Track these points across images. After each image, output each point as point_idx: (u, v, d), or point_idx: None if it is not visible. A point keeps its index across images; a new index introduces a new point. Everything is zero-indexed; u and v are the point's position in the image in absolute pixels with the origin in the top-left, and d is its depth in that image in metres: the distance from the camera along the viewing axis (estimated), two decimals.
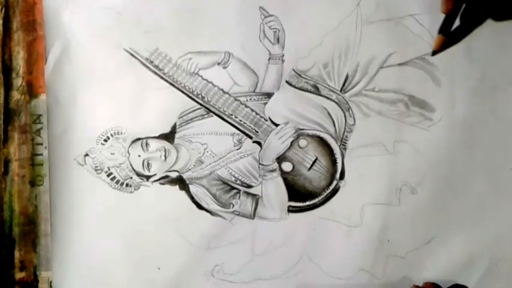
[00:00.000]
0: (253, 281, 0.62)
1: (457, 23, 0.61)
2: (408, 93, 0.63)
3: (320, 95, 0.63)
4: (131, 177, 0.62)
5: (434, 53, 0.62)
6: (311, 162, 0.63)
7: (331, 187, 0.62)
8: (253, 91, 0.63)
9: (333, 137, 0.63)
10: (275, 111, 0.63)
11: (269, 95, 0.63)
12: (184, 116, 0.63)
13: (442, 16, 0.60)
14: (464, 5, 0.60)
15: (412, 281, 0.61)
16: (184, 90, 0.63)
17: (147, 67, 0.63)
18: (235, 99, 0.63)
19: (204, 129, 0.63)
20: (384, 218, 0.62)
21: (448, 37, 0.61)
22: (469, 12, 0.61)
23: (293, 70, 0.63)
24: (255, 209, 0.62)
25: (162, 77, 0.63)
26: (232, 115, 0.63)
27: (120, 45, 0.63)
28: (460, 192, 0.62)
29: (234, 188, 0.63)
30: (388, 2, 0.63)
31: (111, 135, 0.62)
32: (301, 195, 0.62)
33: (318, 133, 0.63)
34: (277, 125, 0.63)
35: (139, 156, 0.62)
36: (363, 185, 0.62)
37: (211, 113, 0.63)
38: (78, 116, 0.62)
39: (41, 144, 0.62)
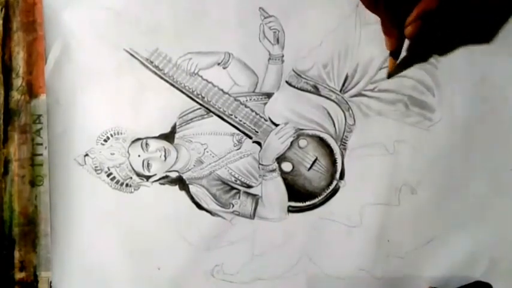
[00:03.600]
0: (253, 281, 0.62)
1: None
2: (408, 94, 0.63)
3: (320, 95, 0.63)
4: (131, 178, 0.62)
5: (389, 75, 0.63)
6: (311, 162, 0.63)
7: (331, 187, 0.62)
8: (253, 91, 0.63)
9: (332, 137, 0.63)
10: (275, 111, 0.63)
11: (269, 95, 0.63)
12: (184, 116, 0.63)
13: None
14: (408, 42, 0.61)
15: (412, 280, 0.61)
16: (184, 90, 0.63)
17: (147, 67, 0.63)
18: (235, 99, 0.63)
19: (204, 129, 0.63)
20: (384, 218, 0.62)
21: (399, 62, 0.62)
22: (413, 48, 0.62)
23: (293, 70, 0.63)
24: (255, 209, 0.62)
25: (162, 77, 0.63)
26: (232, 115, 0.63)
27: (120, 46, 0.63)
28: (460, 192, 0.62)
29: (234, 188, 0.63)
30: None
31: (111, 135, 0.62)
32: (301, 195, 0.62)
33: (318, 133, 0.63)
34: (277, 125, 0.63)
35: (139, 156, 0.63)
36: (363, 185, 0.62)
37: (211, 113, 0.63)
38: (78, 116, 0.62)
39: (41, 144, 0.63)
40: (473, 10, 0.61)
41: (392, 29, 0.58)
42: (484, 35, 0.62)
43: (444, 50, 0.62)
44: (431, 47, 0.62)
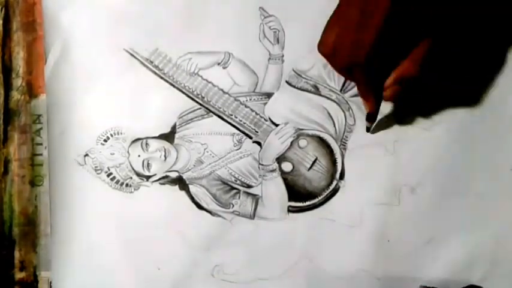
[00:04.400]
0: (253, 281, 0.62)
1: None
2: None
3: (320, 95, 0.63)
4: (131, 177, 0.62)
5: (368, 130, 0.62)
6: (311, 162, 0.63)
7: (331, 187, 0.62)
8: (253, 91, 0.63)
9: (333, 137, 0.63)
10: (275, 111, 0.63)
11: (269, 95, 0.63)
12: (184, 116, 0.63)
13: None
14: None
15: (412, 281, 0.61)
16: (184, 90, 0.63)
17: (147, 67, 0.63)
18: (235, 99, 0.63)
19: (204, 129, 0.63)
20: (384, 218, 0.62)
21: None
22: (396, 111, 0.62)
23: (293, 70, 0.63)
24: (255, 209, 0.62)
25: (162, 77, 0.63)
26: (232, 115, 0.63)
27: (120, 45, 0.63)
28: (460, 192, 0.62)
29: (234, 188, 0.63)
30: None
31: (111, 135, 0.62)
32: (301, 195, 0.62)
33: (318, 133, 0.63)
34: (277, 125, 0.63)
35: (139, 156, 0.63)
36: (363, 185, 0.62)
37: (211, 113, 0.63)
38: (78, 116, 0.62)
39: (41, 144, 0.63)
40: (456, 76, 0.61)
41: (369, 93, 0.57)
42: (471, 98, 0.62)
43: (428, 112, 0.62)
44: (415, 110, 0.62)
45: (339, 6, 0.54)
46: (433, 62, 0.54)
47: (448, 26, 0.53)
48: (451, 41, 0.57)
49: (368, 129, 0.61)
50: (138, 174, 0.62)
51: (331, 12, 0.57)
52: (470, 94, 0.62)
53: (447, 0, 0.51)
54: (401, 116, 0.62)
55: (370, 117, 0.60)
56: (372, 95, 0.57)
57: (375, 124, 0.61)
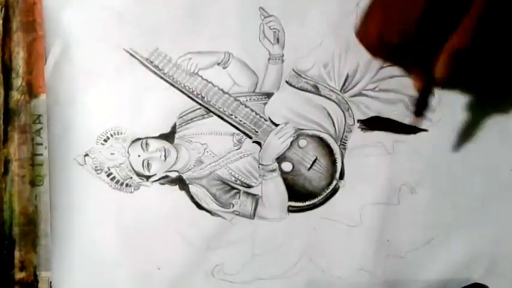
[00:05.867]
0: (253, 281, 0.62)
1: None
2: (408, 94, 0.63)
3: (320, 95, 0.63)
4: (131, 177, 0.62)
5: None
6: (311, 162, 0.63)
7: (331, 187, 0.62)
8: (253, 91, 0.63)
9: (332, 137, 0.63)
10: (275, 111, 0.63)
11: (269, 95, 0.63)
12: (184, 116, 0.63)
13: None
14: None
15: (412, 280, 0.61)
16: (184, 90, 0.63)
17: (147, 67, 0.63)
18: (235, 99, 0.63)
19: (204, 129, 0.63)
20: (384, 217, 0.62)
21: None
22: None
23: (293, 70, 0.63)
24: (255, 209, 0.62)
25: (162, 77, 0.63)
26: (232, 115, 0.63)
27: (120, 45, 0.63)
28: (460, 192, 0.62)
29: (234, 188, 0.63)
30: None
31: (111, 135, 0.62)
32: (301, 195, 0.62)
33: (317, 133, 0.63)
34: (277, 125, 0.63)
35: (139, 156, 0.63)
36: (363, 184, 0.62)
37: (211, 113, 0.63)
38: (78, 116, 0.62)
39: (41, 144, 0.62)
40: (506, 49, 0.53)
41: (418, 72, 0.55)
42: None
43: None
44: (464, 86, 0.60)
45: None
46: (484, 31, 0.48)
47: None
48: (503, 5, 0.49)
49: (417, 113, 0.58)
50: (138, 174, 0.63)
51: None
52: None
53: None
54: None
55: (421, 96, 0.57)
56: (421, 73, 0.55)
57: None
